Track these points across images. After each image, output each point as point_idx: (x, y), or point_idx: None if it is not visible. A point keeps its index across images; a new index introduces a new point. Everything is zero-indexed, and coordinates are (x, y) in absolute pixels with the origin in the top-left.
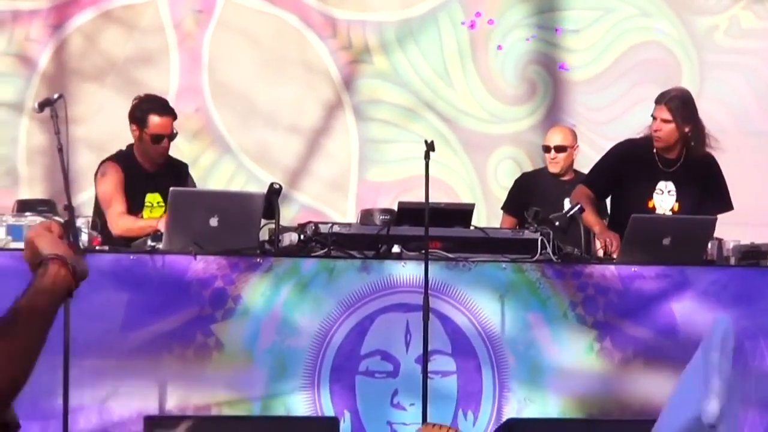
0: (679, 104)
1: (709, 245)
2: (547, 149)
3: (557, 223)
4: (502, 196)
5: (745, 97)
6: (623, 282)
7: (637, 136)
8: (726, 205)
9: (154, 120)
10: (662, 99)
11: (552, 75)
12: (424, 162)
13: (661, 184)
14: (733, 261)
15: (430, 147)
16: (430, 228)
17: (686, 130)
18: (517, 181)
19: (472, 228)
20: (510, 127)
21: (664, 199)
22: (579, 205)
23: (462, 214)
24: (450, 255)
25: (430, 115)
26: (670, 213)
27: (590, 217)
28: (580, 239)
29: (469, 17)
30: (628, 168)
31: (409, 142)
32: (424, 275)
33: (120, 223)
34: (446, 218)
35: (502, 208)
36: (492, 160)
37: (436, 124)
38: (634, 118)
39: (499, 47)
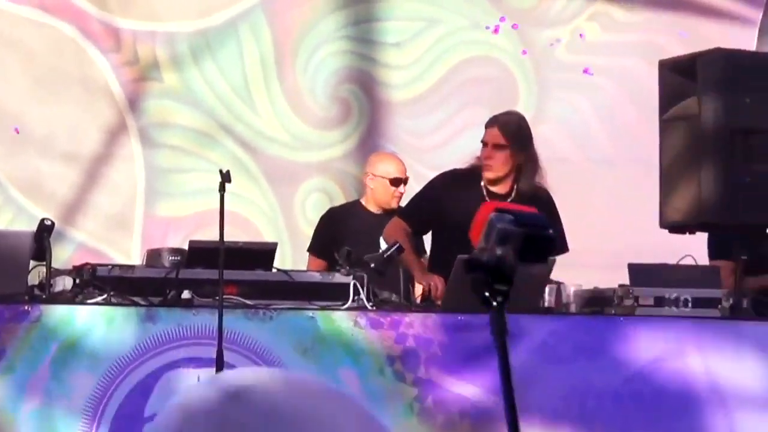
0: (514, 129)
1: (547, 290)
2: (396, 182)
3: (372, 265)
4: (311, 233)
5: (590, 120)
6: (448, 332)
7: (463, 166)
8: (561, 247)
9: None
10: (495, 122)
11: (369, 94)
12: (219, 194)
13: None
14: (574, 308)
15: (225, 177)
16: (225, 270)
17: (520, 159)
18: (324, 218)
19: (274, 270)
20: (320, 154)
21: None
22: (397, 244)
23: (263, 254)
24: (248, 302)
25: (228, 140)
26: None
27: (410, 258)
28: (398, 283)
29: (275, 27)
30: (451, 202)
31: (204, 172)
32: (218, 325)
33: None
34: (244, 259)
35: (309, 250)
36: (299, 193)
37: (236, 150)
38: (463, 144)
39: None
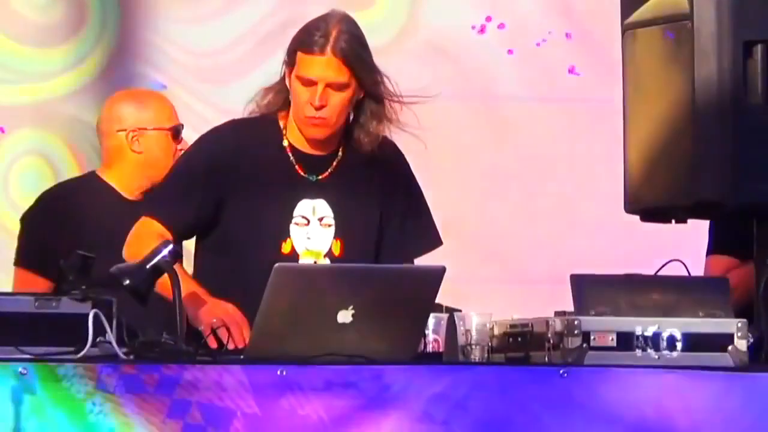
0: (359, 51)
1: (431, 323)
2: (178, 133)
3: (127, 282)
4: (16, 229)
5: (504, 29)
6: (259, 397)
7: (248, 114)
8: (430, 238)
9: None
10: (324, 43)
11: None
12: None
13: (304, 207)
14: (478, 354)
15: None
16: None
17: (358, 95)
18: (41, 204)
19: None
20: (33, 90)
21: (313, 233)
22: (169, 246)
23: None
24: None
25: None
26: (327, 261)
27: (184, 277)
28: (171, 314)
29: None
30: (232, 181)
31: None
32: None
33: None
34: None
35: (16, 261)
36: (3, 161)
37: None
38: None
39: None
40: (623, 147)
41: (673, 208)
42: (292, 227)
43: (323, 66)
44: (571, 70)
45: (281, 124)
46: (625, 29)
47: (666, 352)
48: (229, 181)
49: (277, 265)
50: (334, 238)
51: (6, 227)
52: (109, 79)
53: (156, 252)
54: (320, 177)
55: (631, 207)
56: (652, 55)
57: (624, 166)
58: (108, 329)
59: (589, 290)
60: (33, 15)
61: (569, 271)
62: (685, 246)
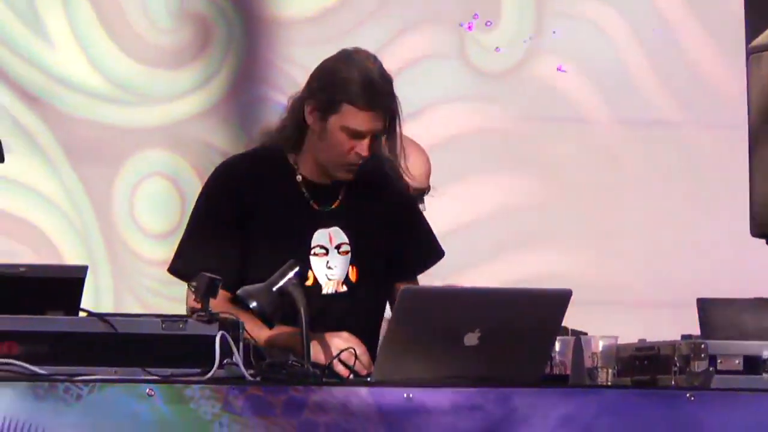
0: (395, 96)
1: (557, 346)
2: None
3: (254, 304)
4: (146, 247)
5: (629, 54)
6: (386, 419)
7: (252, 146)
8: (431, 248)
9: None
10: (377, 99)
11: (242, 8)
12: None
13: (320, 237)
14: (604, 377)
15: None
16: None
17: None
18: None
19: (82, 315)
20: (160, 111)
21: (333, 262)
22: (297, 269)
23: (63, 286)
24: (39, 369)
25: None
26: (345, 288)
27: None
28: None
29: None
30: (252, 216)
31: None
32: None
33: None
34: (31, 295)
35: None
36: (125, 179)
37: (12, 107)
38: (428, 94)
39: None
40: (749, 170)
41: None
42: (312, 259)
43: (374, 120)
44: None
45: (291, 159)
46: (751, 52)
47: None
48: (250, 217)
49: (403, 287)
50: (350, 264)
51: (129, 247)
52: (234, 102)
53: (283, 274)
54: (333, 206)
55: (756, 231)
56: None
57: (750, 190)
58: (235, 351)
59: (716, 314)
60: (157, 38)
61: (695, 295)
62: None
